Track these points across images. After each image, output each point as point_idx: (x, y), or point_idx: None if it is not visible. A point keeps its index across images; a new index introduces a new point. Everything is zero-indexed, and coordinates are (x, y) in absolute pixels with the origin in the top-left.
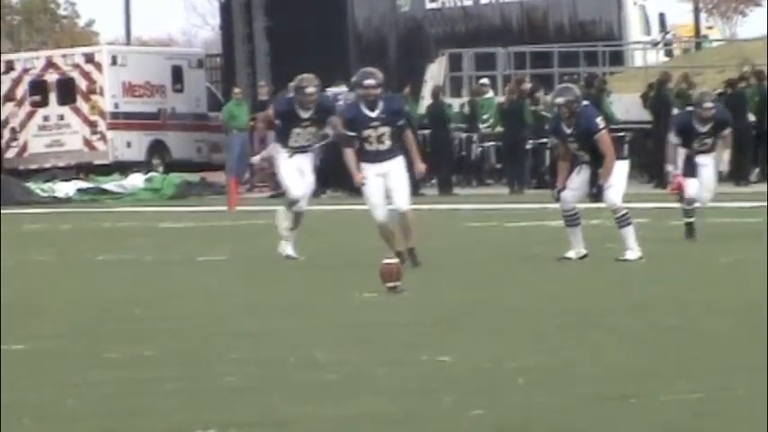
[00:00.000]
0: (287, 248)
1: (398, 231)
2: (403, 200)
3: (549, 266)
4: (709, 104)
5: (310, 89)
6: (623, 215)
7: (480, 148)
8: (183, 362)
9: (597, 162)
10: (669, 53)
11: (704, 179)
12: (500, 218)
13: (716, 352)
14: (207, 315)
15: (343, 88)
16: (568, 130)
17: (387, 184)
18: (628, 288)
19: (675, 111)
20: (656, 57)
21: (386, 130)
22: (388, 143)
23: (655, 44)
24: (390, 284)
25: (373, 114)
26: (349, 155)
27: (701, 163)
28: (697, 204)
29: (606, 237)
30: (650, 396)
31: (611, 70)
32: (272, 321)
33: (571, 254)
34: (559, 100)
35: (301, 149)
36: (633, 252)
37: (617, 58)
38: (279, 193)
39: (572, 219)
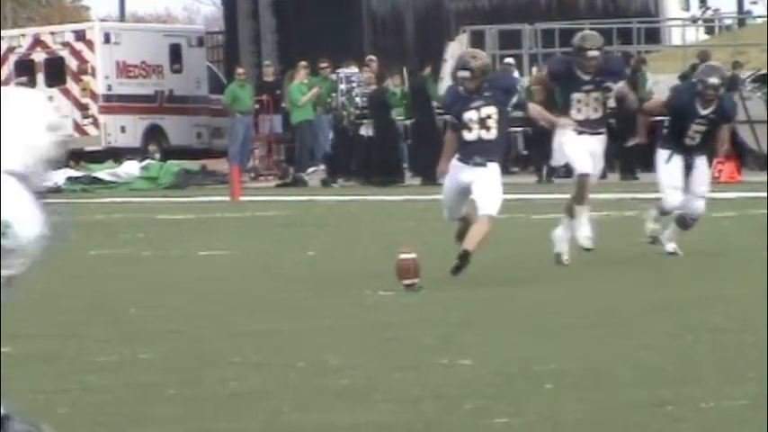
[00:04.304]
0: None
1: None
2: (489, 205)
3: (580, 261)
4: None
5: (593, 52)
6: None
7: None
8: (183, 365)
9: (698, 149)
10: (710, 30)
11: None
12: (527, 209)
13: (761, 354)
14: (208, 315)
15: (354, 69)
16: (703, 112)
17: (473, 191)
18: (664, 285)
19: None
20: (696, 34)
21: (492, 110)
22: (494, 131)
23: (694, 20)
24: (407, 282)
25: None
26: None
27: None
28: None
29: (639, 230)
30: (689, 403)
31: (646, 49)
32: (278, 322)
33: (671, 246)
34: (715, 81)
35: (590, 127)
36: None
37: (653, 36)
38: (285, 182)
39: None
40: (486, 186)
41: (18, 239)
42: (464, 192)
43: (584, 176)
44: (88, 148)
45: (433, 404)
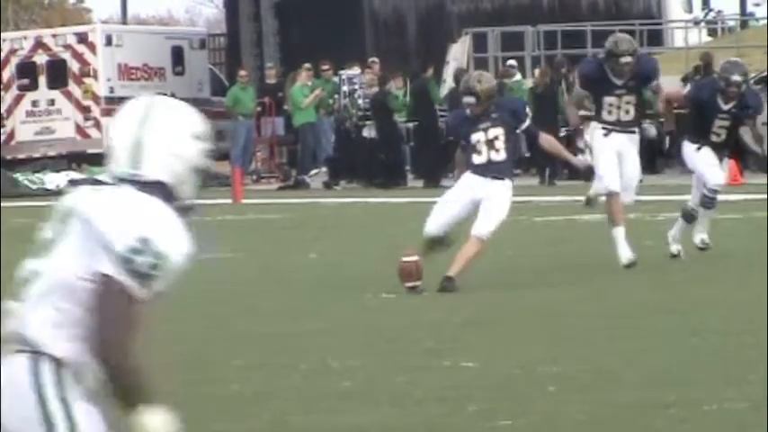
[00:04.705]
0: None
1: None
2: (484, 226)
3: (582, 264)
4: None
5: (626, 59)
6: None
7: None
8: (185, 368)
9: (723, 147)
10: (712, 32)
11: None
12: (529, 211)
13: (763, 357)
14: (210, 317)
15: (357, 71)
16: (725, 107)
17: (481, 206)
18: (667, 288)
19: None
20: (699, 36)
21: (499, 131)
22: (503, 153)
23: (696, 23)
24: (410, 284)
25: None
26: (548, 141)
27: None
28: None
29: (643, 233)
30: (692, 405)
31: (648, 51)
32: (280, 324)
33: (674, 249)
34: (738, 78)
35: (621, 125)
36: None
37: (655, 38)
38: (287, 184)
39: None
40: (494, 206)
41: (169, 267)
42: (471, 205)
43: (612, 194)
44: (90, 151)
45: (437, 406)
